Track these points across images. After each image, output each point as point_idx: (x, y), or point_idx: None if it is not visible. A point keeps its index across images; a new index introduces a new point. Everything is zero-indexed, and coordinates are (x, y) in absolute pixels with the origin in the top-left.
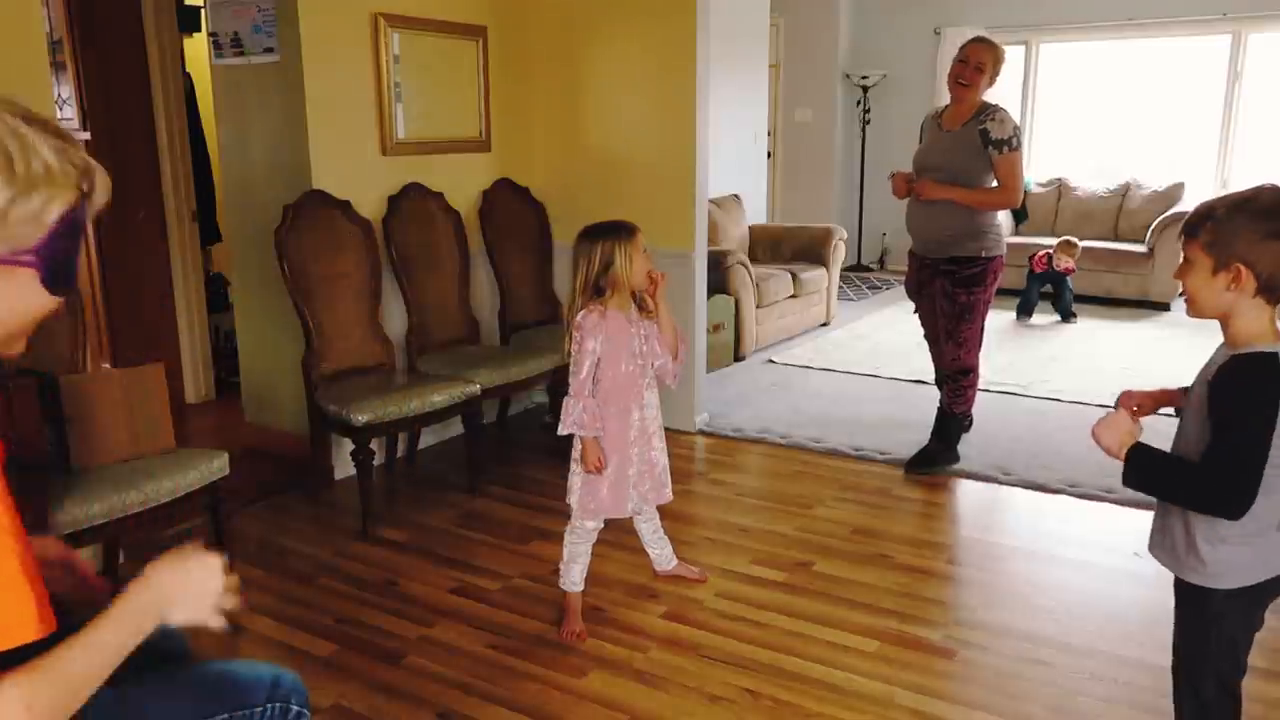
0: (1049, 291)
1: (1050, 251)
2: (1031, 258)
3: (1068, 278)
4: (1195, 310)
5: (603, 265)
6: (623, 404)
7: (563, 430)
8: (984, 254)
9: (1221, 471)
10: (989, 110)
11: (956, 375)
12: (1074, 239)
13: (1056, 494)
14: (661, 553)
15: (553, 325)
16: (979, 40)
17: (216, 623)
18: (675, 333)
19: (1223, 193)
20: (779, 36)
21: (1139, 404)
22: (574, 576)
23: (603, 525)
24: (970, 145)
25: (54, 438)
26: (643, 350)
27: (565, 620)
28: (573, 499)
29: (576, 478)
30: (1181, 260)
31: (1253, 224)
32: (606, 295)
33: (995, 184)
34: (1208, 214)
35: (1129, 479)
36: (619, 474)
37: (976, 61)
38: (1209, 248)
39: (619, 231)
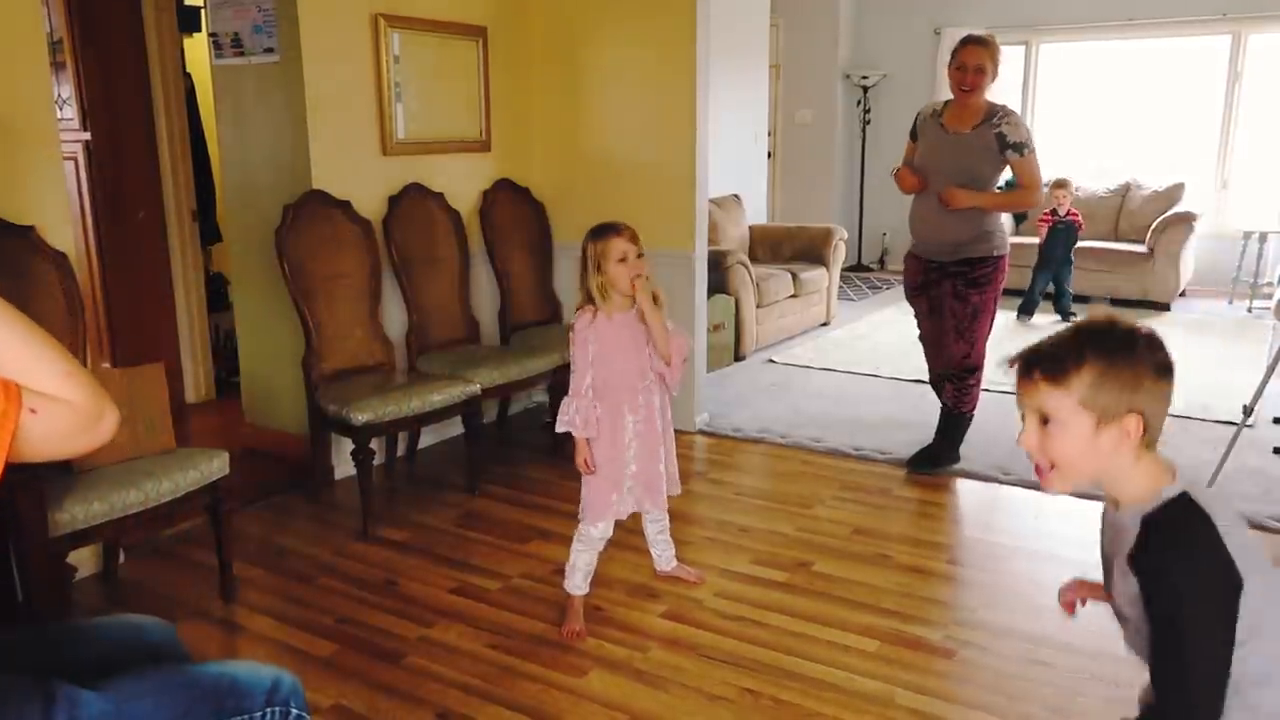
0: (1049, 292)
1: (1053, 206)
2: (1041, 221)
3: (1070, 269)
4: (1069, 481)
5: (586, 266)
6: (616, 406)
7: (559, 428)
8: (995, 253)
9: (1180, 697)
10: (1000, 113)
11: (964, 374)
12: (1064, 178)
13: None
14: (663, 554)
15: (553, 325)
16: (973, 41)
17: None
18: (665, 336)
19: (1221, 193)
20: (779, 37)
21: (1083, 596)
22: (577, 580)
23: (610, 533)
24: (985, 148)
25: None
26: (644, 353)
27: (566, 619)
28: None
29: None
30: (1028, 423)
31: (1138, 363)
32: (599, 296)
33: (999, 186)
34: (1067, 359)
35: None
36: (616, 476)
37: (976, 65)
38: (1089, 402)
39: (597, 233)
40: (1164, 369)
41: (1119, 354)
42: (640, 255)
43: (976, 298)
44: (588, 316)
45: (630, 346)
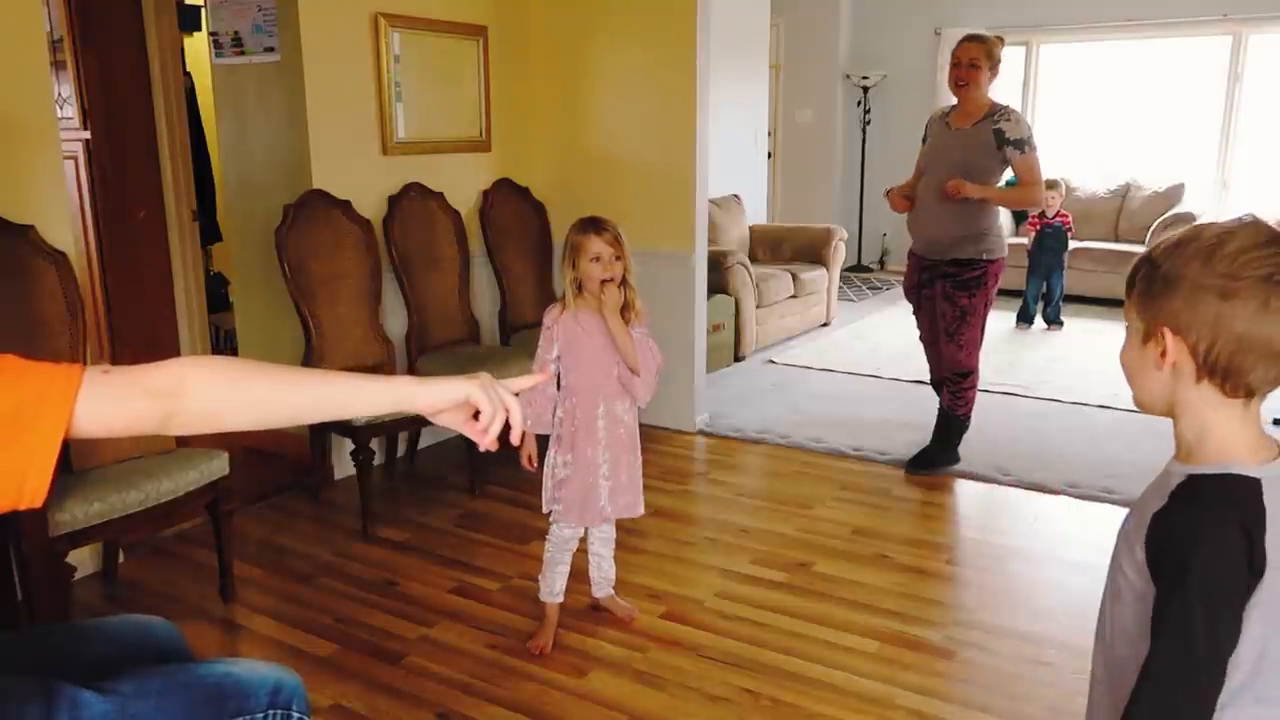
0: (1044, 293)
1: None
2: (1029, 224)
3: (1061, 274)
4: (1135, 392)
5: (565, 257)
6: (585, 408)
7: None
8: (984, 256)
9: (1172, 665)
10: (1001, 110)
11: (956, 377)
12: (1054, 178)
13: (1056, 494)
14: (603, 575)
15: None
16: (968, 38)
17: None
18: (629, 346)
19: (1221, 194)
20: (779, 37)
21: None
22: (552, 586)
23: (580, 534)
24: (983, 144)
25: None
26: (612, 358)
27: (538, 631)
28: (545, 503)
29: (548, 480)
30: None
31: (1193, 268)
32: (570, 291)
33: (1000, 183)
34: (1138, 263)
35: None
36: (587, 478)
37: (969, 59)
38: (1139, 309)
39: (579, 226)
40: (1230, 289)
41: (1172, 258)
42: (619, 258)
43: (965, 300)
44: (555, 311)
45: (599, 349)
